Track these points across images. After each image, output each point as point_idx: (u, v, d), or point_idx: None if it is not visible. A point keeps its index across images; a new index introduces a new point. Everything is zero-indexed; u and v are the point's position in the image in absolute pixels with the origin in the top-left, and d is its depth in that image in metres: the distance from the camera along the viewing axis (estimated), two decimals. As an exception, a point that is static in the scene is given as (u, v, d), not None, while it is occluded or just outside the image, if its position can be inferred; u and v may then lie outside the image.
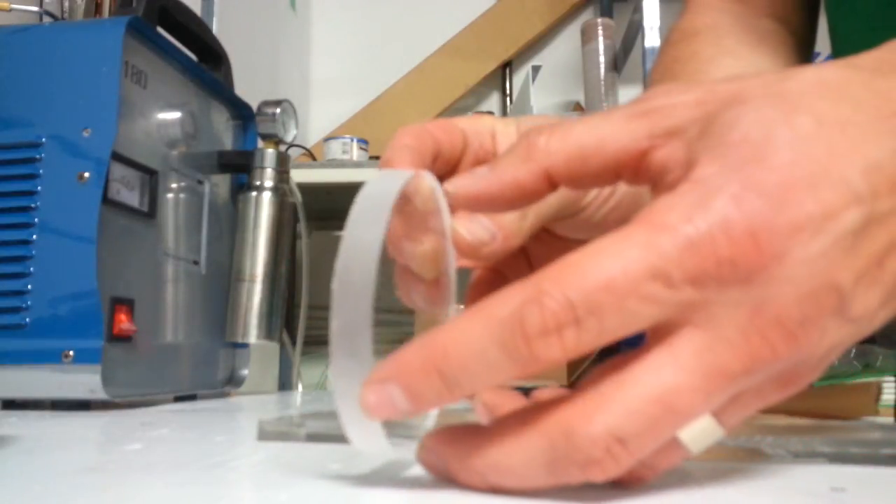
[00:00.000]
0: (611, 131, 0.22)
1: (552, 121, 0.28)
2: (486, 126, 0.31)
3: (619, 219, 0.33)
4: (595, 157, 0.22)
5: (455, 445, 0.22)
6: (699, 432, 0.20)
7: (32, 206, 0.55)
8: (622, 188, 0.33)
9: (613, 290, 0.19)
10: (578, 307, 0.19)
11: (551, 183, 0.23)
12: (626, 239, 0.20)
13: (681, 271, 0.19)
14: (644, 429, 0.19)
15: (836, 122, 0.20)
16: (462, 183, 0.24)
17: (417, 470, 0.25)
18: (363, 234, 0.23)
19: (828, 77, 0.21)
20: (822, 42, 0.57)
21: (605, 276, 0.19)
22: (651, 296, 0.19)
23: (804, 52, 0.55)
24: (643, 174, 0.22)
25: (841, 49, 0.53)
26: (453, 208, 0.26)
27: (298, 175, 0.88)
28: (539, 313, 0.19)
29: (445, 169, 0.30)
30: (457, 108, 2.11)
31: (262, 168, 0.74)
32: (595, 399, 0.20)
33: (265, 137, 0.76)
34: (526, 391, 0.58)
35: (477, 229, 0.27)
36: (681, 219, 0.19)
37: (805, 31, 0.56)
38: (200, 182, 0.71)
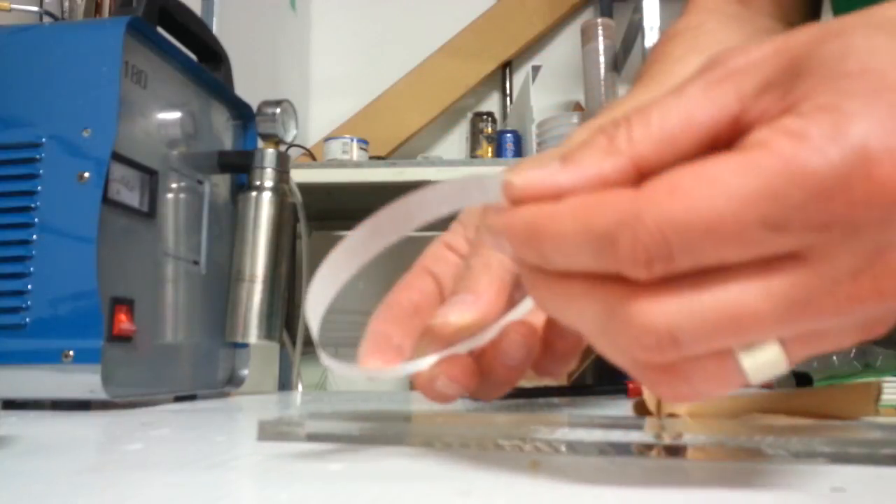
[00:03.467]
0: (694, 105, 0.20)
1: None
2: (442, 251, 0.33)
3: None
4: (684, 137, 0.20)
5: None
6: (763, 362, 0.19)
7: (32, 206, 0.55)
8: None
9: (716, 235, 0.18)
10: (674, 245, 0.18)
11: (640, 175, 0.21)
12: (745, 171, 0.18)
13: (802, 217, 0.17)
14: (701, 334, 0.18)
15: None
16: (532, 176, 0.21)
17: (417, 470, 0.25)
18: None
19: None
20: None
21: (710, 216, 0.17)
22: (759, 241, 0.18)
23: None
24: (739, 141, 0.20)
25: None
26: (513, 203, 0.23)
27: (298, 175, 0.88)
28: (630, 241, 0.18)
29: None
30: (457, 108, 2.11)
31: (262, 168, 0.74)
32: (666, 287, 0.19)
33: (265, 137, 0.76)
34: (527, 391, 0.58)
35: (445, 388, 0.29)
36: (813, 150, 0.17)
37: None
38: (200, 182, 0.71)
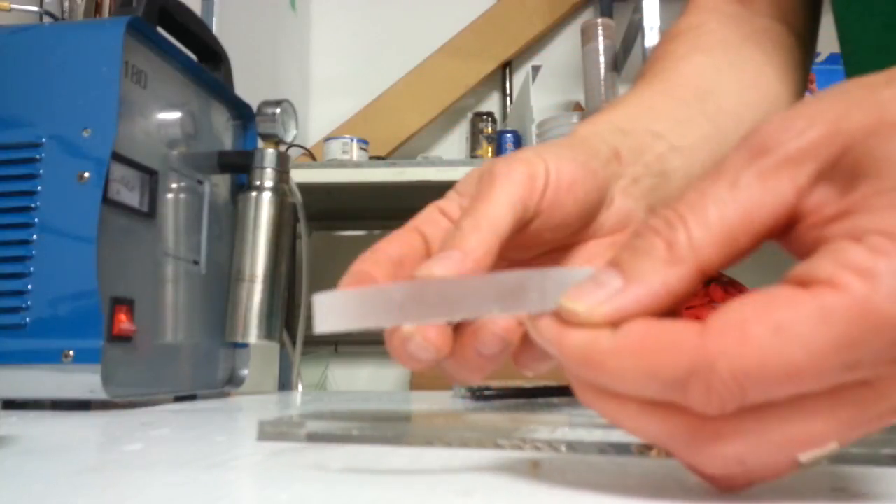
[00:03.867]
0: (753, 200, 0.19)
1: (481, 173, 0.30)
2: (434, 214, 0.32)
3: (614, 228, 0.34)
4: (746, 235, 0.19)
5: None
6: (820, 456, 0.19)
7: (32, 206, 0.55)
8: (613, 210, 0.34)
9: (792, 382, 0.17)
10: (750, 393, 0.18)
11: (704, 277, 0.20)
12: (819, 322, 0.17)
13: (878, 357, 0.17)
14: (767, 458, 0.19)
15: None
16: (593, 300, 0.20)
17: (417, 470, 0.25)
18: None
19: None
20: (821, 43, 0.58)
21: (787, 368, 0.17)
22: (831, 380, 0.18)
23: (806, 52, 0.55)
24: (791, 224, 0.20)
25: (852, 49, 0.53)
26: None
27: (298, 175, 0.88)
28: (703, 391, 0.18)
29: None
30: (457, 108, 2.11)
31: (262, 168, 0.74)
32: (737, 427, 0.19)
33: (265, 137, 0.76)
34: (527, 391, 0.58)
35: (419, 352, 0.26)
36: (886, 295, 0.17)
37: (807, 31, 0.56)
38: (200, 182, 0.71)
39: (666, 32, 0.54)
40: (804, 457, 0.19)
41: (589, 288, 0.20)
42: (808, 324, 0.17)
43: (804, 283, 0.18)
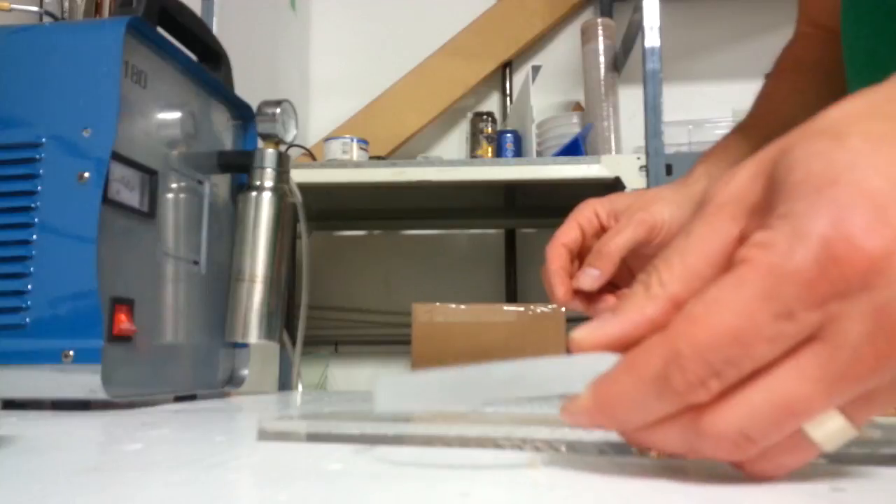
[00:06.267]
0: (702, 238, 0.24)
1: (634, 195, 0.57)
2: (589, 210, 0.57)
3: None
4: (708, 266, 0.24)
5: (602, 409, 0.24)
6: (832, 432, 0.22)
7: (32, 206, 0.55)
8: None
9: (742, 341, 0.21)
10: (714, 363, 0.21)
11: (679, 308, 0.24)
12: (738, 286, 0.22)
13: (799, 302, 0.21)
14: (768, 428, 0.22)
15: (880, 136, 0.22)
16: (590, 329, 0.25)
17: (417, 470, 0.25)
18: None
19: (852, 106, 0.24)
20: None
21: (730, 330, 0.21)
22: (778, 334, 0.21)
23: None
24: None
25: (849, 54, 0.55)
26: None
27: (298, 175, 0.88)
28: (681, 375, 0.22)
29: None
30: (457, 108, 2.11)
31: (262, 168, 0.74)
32: (724, 398, 0.22)
33: (265, 137, 0.76)
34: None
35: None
36: (783, 254, 0.21)
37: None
38: (200, 182, 0.71)
39: (777, 60, 0.67)
40: (813, 432, 0.22)
41: (590, 324, 0.25)
42: (730, 290, 0.22)
43: (731, 269, 0.22)
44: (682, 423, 0.23)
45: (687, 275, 0.24)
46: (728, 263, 0.23)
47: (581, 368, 0.25)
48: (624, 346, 0.24)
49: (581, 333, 0.25)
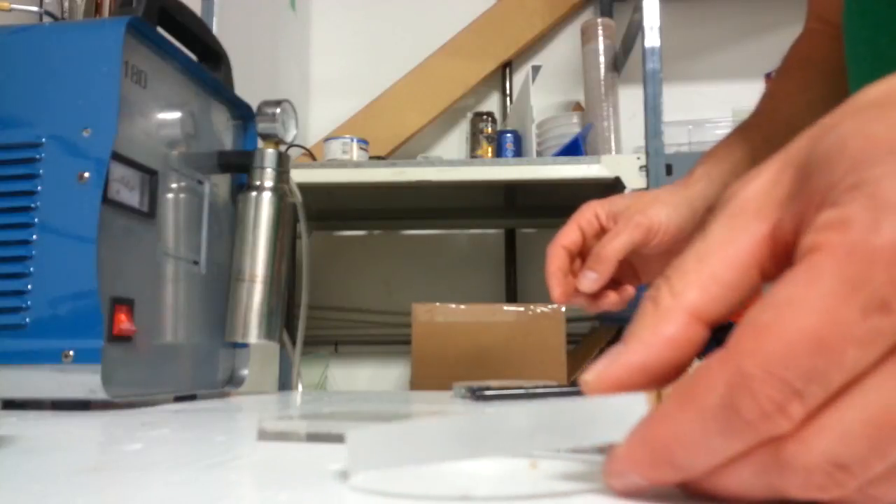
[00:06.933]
0: (723, 239, 0.21)
1: (633, 196, 0.60)
2: (590, 212, 0.60)
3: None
4: (729, 270, 0.21)
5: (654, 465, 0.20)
6: None
7: (32, 206, 0.55)
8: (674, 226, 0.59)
9: (827, 348, 0.17)
10: (794, 381, 0.17)
11: (704, 322, 0.21)
12: (813, 280, 0.17)
13: (889, 284, 0.17)
14: (868, 454, 0.17)
15: None
16: (599, 368, 0.21)
17: (417, 470, 0.25)
18: None
19: (877, 88, 0.21)
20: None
21: (810, 336, 0.17)
22: (872, 333, 0.17)
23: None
24: (778, 253, 0.21)
25: (851, 46, 0.55)
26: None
27: (298, 175, 0.88)
28: (753, 401, 0.17)
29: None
30: (457, 108, 2.11)
31: (262, 168, 0.74)
32: (809, 423, 0.18)
33: (265, 137, 0.76)
34: (528, 390, 0.58)
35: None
36: (867, 230, 0.17)
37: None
38: (200, 182, 0.71)
39: (784, 57, 0.68)
40: None
41: (599, 362, 0.22)
42: (804, 287, 0.17)
43: (797, 262, 0.18)
44: (759, 459, 0.18)
45: (704, 280, 0.21)
46: (757, 267, 0.20)
47: (614, 411, 0.20)
48: (647, 380, 0.21)
49: (590, 375, 0.21)
